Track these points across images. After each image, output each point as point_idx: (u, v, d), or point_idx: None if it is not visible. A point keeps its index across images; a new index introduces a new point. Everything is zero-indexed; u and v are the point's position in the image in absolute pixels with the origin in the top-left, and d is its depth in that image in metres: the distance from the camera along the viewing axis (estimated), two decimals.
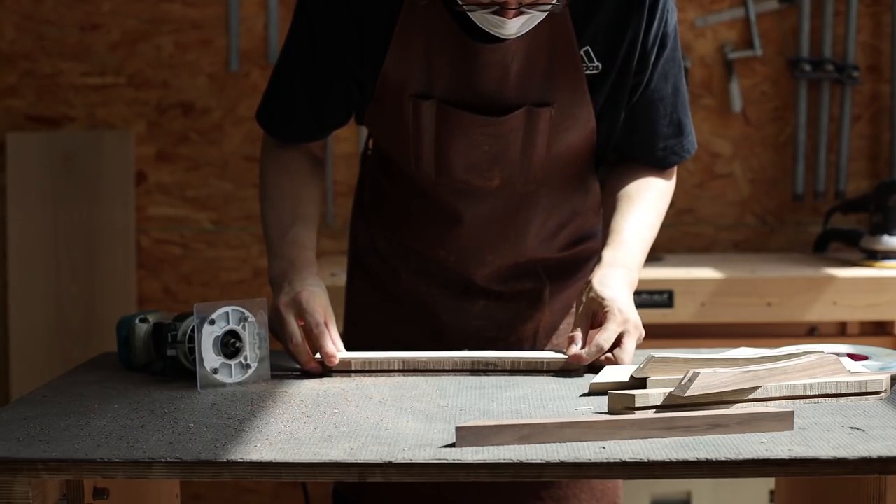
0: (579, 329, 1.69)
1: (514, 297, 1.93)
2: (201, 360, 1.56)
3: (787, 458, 1.22)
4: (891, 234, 3.04)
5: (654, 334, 2.81)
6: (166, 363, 1.63)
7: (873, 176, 3.48)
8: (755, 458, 1.23)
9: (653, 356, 1.45)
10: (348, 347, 1.83)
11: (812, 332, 3.23)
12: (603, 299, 1.68)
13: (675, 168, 1.93)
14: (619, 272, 1.74)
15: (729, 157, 3.49)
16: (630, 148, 1.88)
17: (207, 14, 3.48)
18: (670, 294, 2.88)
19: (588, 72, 1.75)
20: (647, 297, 2.85)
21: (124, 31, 3.47)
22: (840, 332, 3.25)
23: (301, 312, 1.67)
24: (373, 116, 1.85)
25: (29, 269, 3.45)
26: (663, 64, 1.81)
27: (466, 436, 1.27)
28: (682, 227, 3.49)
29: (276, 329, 1.69)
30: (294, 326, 1.67)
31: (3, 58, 3.48)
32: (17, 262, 3.45)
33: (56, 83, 3.49)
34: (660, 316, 2.86)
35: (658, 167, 1.89)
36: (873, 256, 3.05)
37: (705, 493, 3.03)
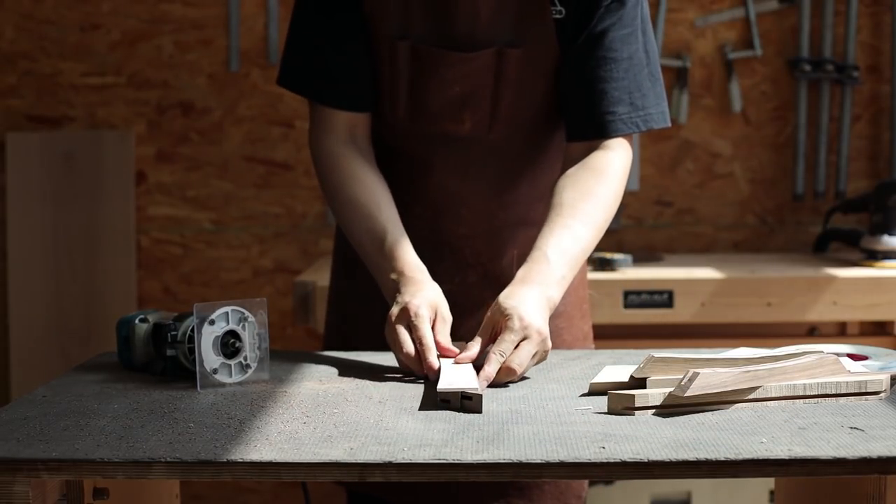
0: (477, 338, 1.64)
1: (482, 282, 1.93)
2: (201, 360, 1.56)
3: (786, 458, 1.22)
4: (891, 234, 3.04)
5: (654, 334, 2.83)
6: (166, 363, 1.63)
7: (873, 176, 3.48)
8: (755, 458, 1.23)
9: (653, 356, 1.45)
10: (333, 345, 1.88)
11: (812, 332, 3.22)
12: (504, 308, 1.64)
13: (628, 146, 1.86)
14: (531, 290, 1.67)
15: (729, 157, 3.49)
16: (575, 108, 1.83)
17: (207, 14, 3.48)
18: (670, 294, 2.88)
19: (554, 16, 1.81)
20: (647, 297, 2.85)
21: (124, 31, 3.48)
22: (840, 332, 3.24)
23: (410, 324, 1.65)
24: None
25: (29, 269, 3.45)
26: (619, 28, 1.80)
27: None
28: (682, 227, 3.49)
29: (389, 338, 1.67)
30: (405, 336, 1.65)
31: (3, 58, 3.48)
32: (17, 262, 3.45)
33: (56, 83, 3.49)
34: (660, 316, 2.86)
35: (600, 135, 1.82)
36: (873, 256, 3.05)
37: (705, 493, 3.03)
